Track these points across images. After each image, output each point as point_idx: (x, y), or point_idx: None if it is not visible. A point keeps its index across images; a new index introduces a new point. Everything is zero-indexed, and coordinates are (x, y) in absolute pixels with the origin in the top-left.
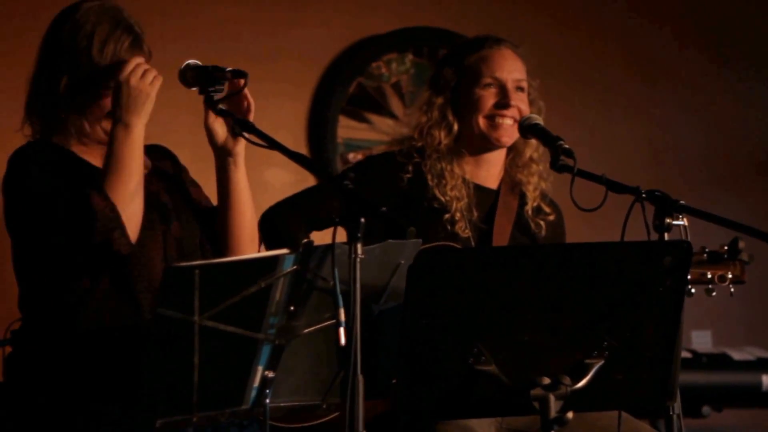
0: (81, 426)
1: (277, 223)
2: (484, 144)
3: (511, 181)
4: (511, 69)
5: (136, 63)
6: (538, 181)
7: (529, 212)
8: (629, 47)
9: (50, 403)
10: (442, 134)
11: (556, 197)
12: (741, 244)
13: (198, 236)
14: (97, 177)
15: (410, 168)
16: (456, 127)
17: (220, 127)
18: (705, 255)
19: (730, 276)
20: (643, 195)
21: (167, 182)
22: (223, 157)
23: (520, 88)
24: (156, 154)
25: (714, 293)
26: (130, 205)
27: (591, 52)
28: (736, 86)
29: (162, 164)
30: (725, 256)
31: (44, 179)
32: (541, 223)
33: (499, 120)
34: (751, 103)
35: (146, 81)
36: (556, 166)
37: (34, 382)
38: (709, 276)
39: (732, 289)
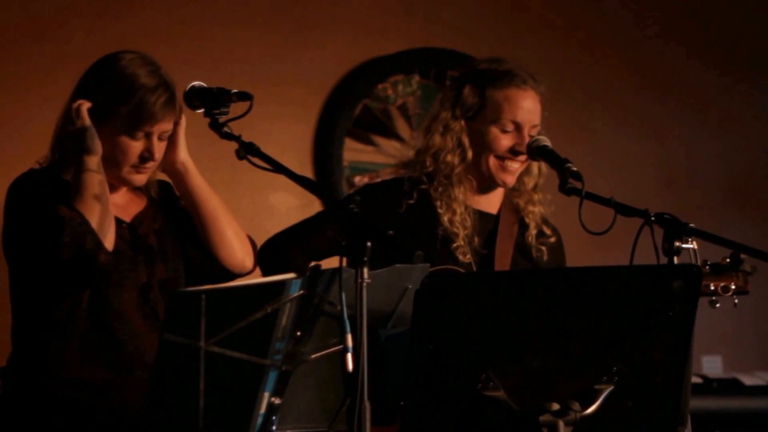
0: None
1: (277, 255)
2: (489, 181)
3: (511, 205)
4: (531, 113)
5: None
6: (539, 208)
7: (531, 238)
8: (641, 66)
9: None
10: (456, 161)
11: (565, 219)
12: (743, 255)
13: (184, 281)
14: None
15: (415, 194)
16: (470, 155)
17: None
18: (707, 267)
19: (733, 287)
20: (653, 218)
21: (158, 223)
22: (172, 172)
23: (532, 135)
24: (163, 191)
25: (718, 305)
26: (99, 217)
27: (601, 71)
28: (752, 103)
29: (160, 202)
30: (728, 267)
31: (33, 206)
32: (543, 247)
33: (509, 164)
34: (766, 117)
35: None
36: (564, 188)
37: (23, 420)
38: (713, 288)
39: (736, 300)
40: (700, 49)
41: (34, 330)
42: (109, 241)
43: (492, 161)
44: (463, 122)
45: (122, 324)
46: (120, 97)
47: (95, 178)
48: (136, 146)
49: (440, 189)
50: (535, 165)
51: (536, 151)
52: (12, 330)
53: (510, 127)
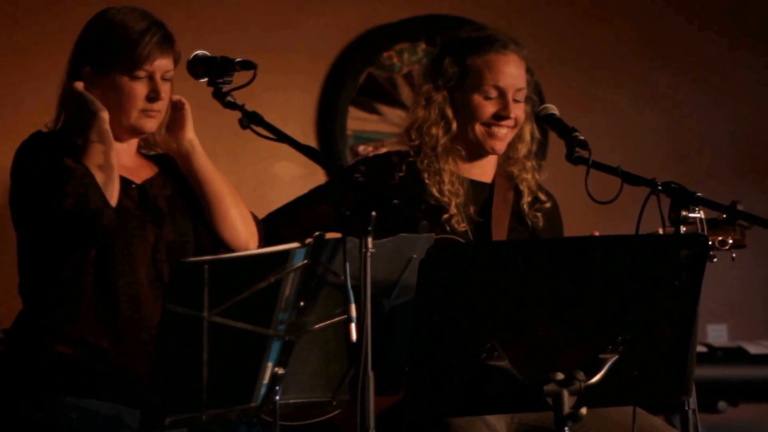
0: (77, 422)
1: (273, 234)
2: (479, 149)
3: (505, 173)
4: (513, 77)
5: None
6: (533, 175)
7: (525, 205)
8: (648, 33)
9: (41, 400)
10: (440, 133)
11: (572, 188)
12: (740, 207)
13: (192, 245)
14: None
15: (404, 167)
16: (455, 126)
17: (162, 132)
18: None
19: (730, 241)
20: (659, 187)
21: (169, 190)
22: (179, 151)
23: (517, 100)
24: (166, 163)
25: (716, 259)
26: (102, 171)
27: (608, 38)
28: (761, 72)
29: (170, 173)
30: (725, 221)
31: (39, 162)
32: (538, 214)
33: (496, 129)
34: None
35: None
36: (571, 157)
37: (24, 379)
38: (710, 242)
39: (734, 255)
40: (708, 18)
41: (40, 289)
42: (112, 198)
43: (478, 129)
44: (445, 93)
45: (127, 285)
46: (114, 45)
47: (102, 136)
48: (140, 89)
49: (426, 161)
50: (527, 131)
51: (543, 119)
52: (19, 289)
53: (493, 93)
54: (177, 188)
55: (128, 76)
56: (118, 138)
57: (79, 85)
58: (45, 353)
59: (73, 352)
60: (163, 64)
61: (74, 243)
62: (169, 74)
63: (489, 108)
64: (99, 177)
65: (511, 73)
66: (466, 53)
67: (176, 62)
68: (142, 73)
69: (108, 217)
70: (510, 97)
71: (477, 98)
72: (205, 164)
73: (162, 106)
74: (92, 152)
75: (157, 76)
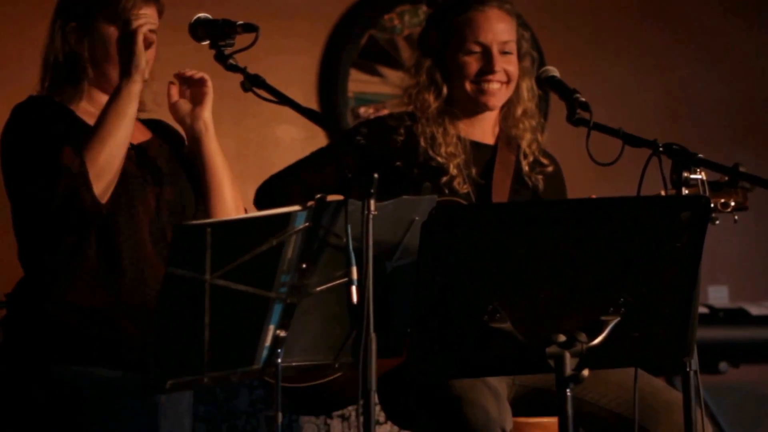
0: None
1: (275, 196)
2: (475, 106)
3: (506, 136)
4: (496, 32)
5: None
6: (533, 135)
7: (526, 166)
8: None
9: (46, 366)
10: (432, 98)
11: (573, 150)
12: (741, 169)
13: (193, 207)
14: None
15: (402, 131)
16: (445, 90)
17: (184, 104)
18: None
19: (732, 203)
20: (660, 149)
21: (165, 153)
22: (192, 128)
23: (506, 52)
24: (159, 128)
25: (717, 221)
26: (102, 163)
27: (606, 3)
28: (756, 39)
29: (164, 138)
30: (726, 183)
31: (32, 132)
32: (539, 177)
33: (485, 85)
34: None
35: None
36: (572, 119)
37: (28, 346)
38: (712, 204)
39: (736, 217)
40: None
41: (40, 254)
42: (103, 190)
43: (469, 87)
44: (433, 58)
45: (131, 246)
46: None
47: (125, 116)
48: None
49: (421, 127)
50: (524, 88)
51: (544, 81)
52: (19, 254)
53: (476, 48)
54: (173, 153)
55: (114, 25)
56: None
57: (140, 40)
58: (48, 322)
59: (76, 319)
60: (147, 13)
61: (64, 230)
62: (154, 25)
63: (474, 65)
64: (94, 171)
65: (492, 27)
66: (448, 16)
67: (160, 13)
68: None
69: (98, 213)
70: (495, 51)
71: (462, 57)
72: (215, 149)
73: (150, 55)
74: (101, 134)
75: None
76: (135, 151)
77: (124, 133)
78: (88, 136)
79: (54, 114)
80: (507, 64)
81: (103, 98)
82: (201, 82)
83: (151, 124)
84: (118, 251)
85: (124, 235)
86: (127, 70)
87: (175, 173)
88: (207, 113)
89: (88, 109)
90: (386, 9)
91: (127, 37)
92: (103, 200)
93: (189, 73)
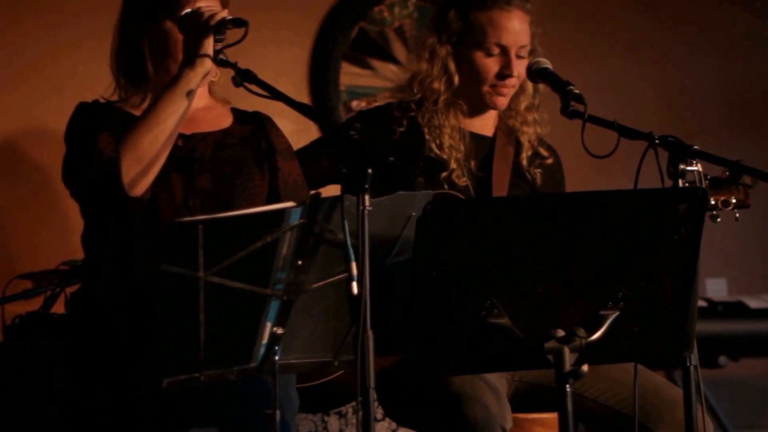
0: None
1: None
2: (483, 104)
3: (506, 128)
4: (516, 33)
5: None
6: (534, 129)
7: (525, 159)
8: None
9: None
10: (442, 87)
11: (568, 143)
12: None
13: (242, 198)
14: None
15: (405, 122)
16: (457, 81)
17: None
18: (707, 182)
19: (734, 201)
20: (657, 141)
21: (236, 140)
22: None
23: (521, 56)
24: (249, 119)
25: (719, 219)
26: (141, 152)
27: None
28: (751, 24)
29: (246, 128)
30: (728, 180)
31: (83, 125)
32: (538, 170)
33: (501, 89)
34: (766, 42)
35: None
36: (566, 111)
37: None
38: (713, 202)
39: (737, 215)
40: None
41: (86, 239)
42: (134, 180)
43: (482, 87)
44: (449, 47)
45: (146, 237)
46: None
47: (180, 97)
48: None
49: (427, 116)
50: (529, 85)
51: (537, 73)
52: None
53: (495, 50)
54: (243, 142)
55: (172, 20)
56: None
57: (223, 13)
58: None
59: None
60: (207, 4)
61: (102, 214)
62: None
63: (492, 66)
64: (127, 161)
65: (514, 29)
66: (470, 8)
67: (224, 4)
68: None
69: (131, 202)
70: (513, 54)
71: (479, 55)
72: None
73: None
74: (144, 124)
75: None
76: (183, 141)
77: (171, 124)
78: (133, 122)
79: (114, 117)
80: (521, 67)
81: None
82: None
83: (245, 115)
84: (132, 241)
85: (139, 226)
86: (190, 59)
87: (218, 161)
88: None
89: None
90: (376, 1)
91: (197, 27)
92: (133, 191)
93: None
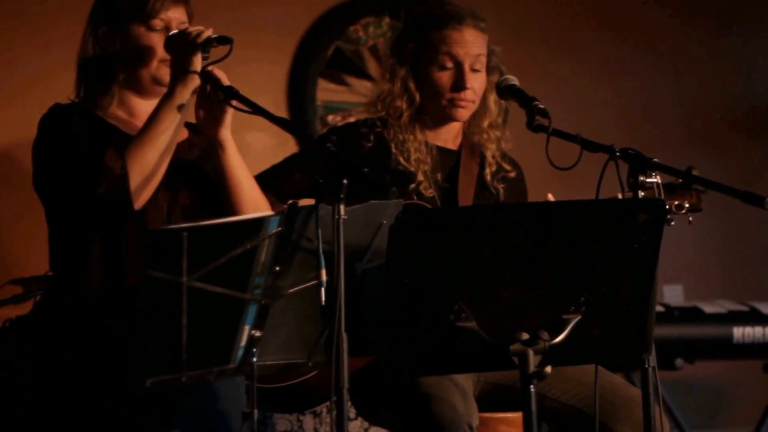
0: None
1: None
2: (444, 117)
3: (470, 143)
4: (469, 48)
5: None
6: (498, 145)
7: (489, 175)
8: (599, 5)
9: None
10: (404, 105)
11: (533, 156)
12: (695, 172)
13: (212, 212)
14: (123, 141)
15: (372, 137)
16: (418, 98)
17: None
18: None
19: (687, 205)
20: (617, 153)
21: (194, 156)
22: (209, 143)
23: (476, 69)
24: (196, 130)
25: (673, 222)
26: (146, 167)
27: (561, 10)
28: (708, 42)
29: (196, 141)
30: (681, 185)
31: (65, 136)
32: (501, 185)
33: (456, 101)
34: (723, 58)
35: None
36: (531, 125)
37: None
38: (668, 207)
39: (690, 218)
40: None
41: (60, 255)
42: (139, 195)
43: (440, 100)
44: (407, 67)
45: (135, 252)
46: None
47: (176, 113)
48: (156, 39)
49: (392, 132)
50: (491, 102)
51: (504, 90)
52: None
53: (449, 63)
54: (201, 157)
55: (145, 26)
56: (144, 94)
57: (208, 32)
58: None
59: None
60: (176, 15)
61: (102, 225)
62: (184, 26)
63: (446, 80)
64: (134, 178)
65: (465, 42)
66: (424, 29)
67: (190, 15)
68: (158, 23)
69: (131, 213)
70: (466, 67)
71: (434, 70)
72: (234, 164)
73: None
74: (153, 133)
75: (173, 27)
76: None
77: (168, 136)
78: (135, 137)
79: (82, 118)
80: (475, 81)
81: (133, 101)
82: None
83: (190, 125)
84: (123, 256)
85: (130, 241)
86: (181, 76)
87: (192, 176)
88: (223, 132)
89: (117, 114)
90: (351, 21)
91: (185, 45)
92: (138, 203)
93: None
